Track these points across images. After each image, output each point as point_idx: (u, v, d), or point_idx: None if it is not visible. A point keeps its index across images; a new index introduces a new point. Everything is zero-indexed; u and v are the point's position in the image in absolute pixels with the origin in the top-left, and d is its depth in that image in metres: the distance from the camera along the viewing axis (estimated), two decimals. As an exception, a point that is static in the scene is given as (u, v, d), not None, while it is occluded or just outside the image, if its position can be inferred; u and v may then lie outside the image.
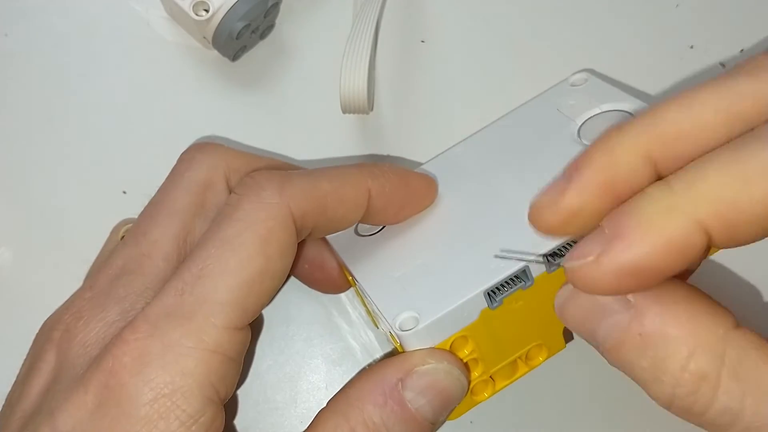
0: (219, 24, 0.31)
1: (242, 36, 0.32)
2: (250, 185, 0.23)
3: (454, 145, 0.29)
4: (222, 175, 0.26)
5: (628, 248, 0.18)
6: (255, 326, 0.29)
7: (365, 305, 0.28)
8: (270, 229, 0.22)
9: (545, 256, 0.23)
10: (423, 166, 0.29)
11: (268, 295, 0.22)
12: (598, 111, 0.27)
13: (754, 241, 0.18)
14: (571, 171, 0.20)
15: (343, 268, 0.27)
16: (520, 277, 0.23)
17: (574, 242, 0.23)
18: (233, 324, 0.21)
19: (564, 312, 0.21)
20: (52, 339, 0.24)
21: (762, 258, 0.30)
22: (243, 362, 0.23)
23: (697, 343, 0.18)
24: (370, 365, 0.30)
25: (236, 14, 0.31)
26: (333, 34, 0.34)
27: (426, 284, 0.24)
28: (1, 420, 0.23)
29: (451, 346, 0.23)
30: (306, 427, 0.23)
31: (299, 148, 0.33)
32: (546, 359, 0.25)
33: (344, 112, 0.31)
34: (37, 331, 0.25)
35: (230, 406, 0.28)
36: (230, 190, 0.26)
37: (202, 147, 0.27)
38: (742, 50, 0.34)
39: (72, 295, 0.25)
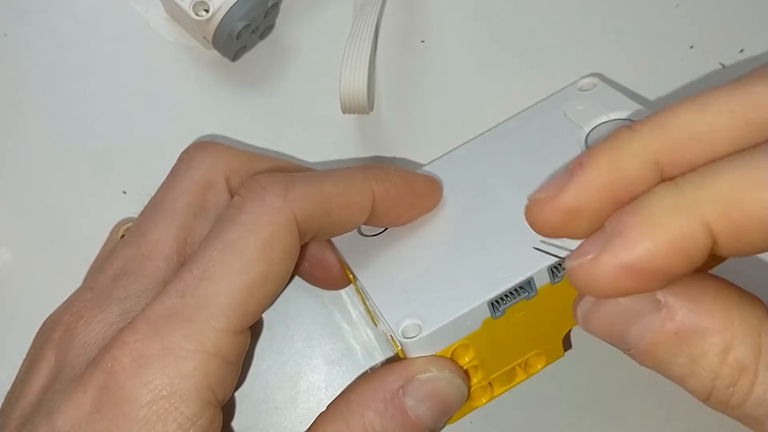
0: (219, 24, 0.31)
1: (242, 36, 0.32)
2: (253, 188, 0.23)
3: (459, 146, 0.29)
4: (222, 175, 0.26)
5: (629, 246, 0.17)
6: (255, 327, 0.28)
7: (365, 303, 0.28)
8: (273, 233, 0.22)
9: (549, 267, 0.23)
10: (427, 167, 0.29)
11: (270, 298, 0.22)
12: (606, 119, 0.27)
13: (759, 252, 0.17)
14: (574, 167, 0.19)
15: (344, 266, 0.27)
16: (524, 287, 0.23)
17: None
18: (233, 327, 0.21)
19: (589, 322, 0.20)
20: (52, 339, 0.24)
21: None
22: (242, 364, 0.23)
23: (734, 335, 0.18)
24: (371, 369, 0.30)
25: (236, 14, 0.31)
26: (333, 34, 0.34)
27: (429, 291, 0.24)
28: (1, 419, 0.23)
29: (452, 354, 0.23)
30: (306, 429, 0.23)
31: (299, 148, 0.33)
32: (544, 367, 0.25)
33: (344, 112, 0.31)
34: (36, 330, 0.25)
35: (228, 408, 0.28)
36: (230, 190, 0.26)
37: (202, 147, 0.27)
38: (742, 50, 0.33)
39: (72, 295, 0.25)
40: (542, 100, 0.30)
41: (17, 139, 0.33)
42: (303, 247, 0.26)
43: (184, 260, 0.24)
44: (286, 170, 0.26)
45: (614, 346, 0.20)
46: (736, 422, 0.19)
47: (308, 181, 0.23)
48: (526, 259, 0.23)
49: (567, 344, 0.26)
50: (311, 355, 0.30)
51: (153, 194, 0.26)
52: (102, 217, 0.31)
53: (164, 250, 0.24)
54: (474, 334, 0.23)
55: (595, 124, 0.27)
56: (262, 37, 0.34)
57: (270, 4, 0.32)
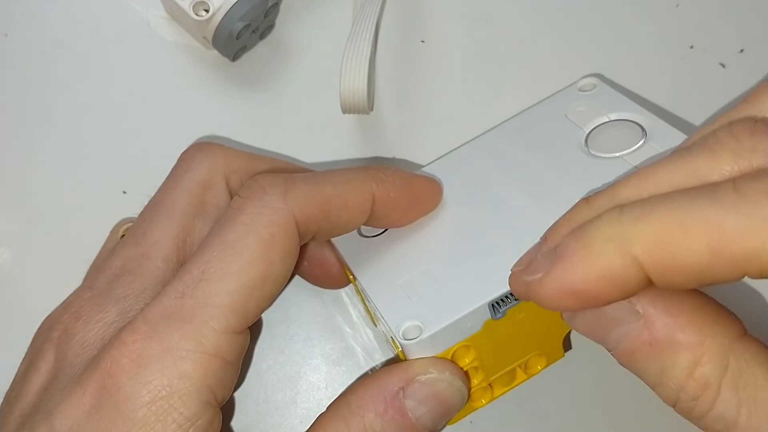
0: (219, 24, 0.31)
1: (242, 36, 0.32)
2: (254, 189, 0.23)
3: (459, 147, 0.29)
4: (222, 175, 0.26)
5: (568, 272, 0.18)
6: (255, 327, 0.29)
7: (364, 304, 0.28)
8: (273, 234, 0.22)
9: None
10: (427, 167, 0.29)
11: (269, 299, 0.22)
12: (606, 120, 0.27)
13: (690, 288, 0.18)
14: (546, 260, 0.20)
15: (344, 266, 0.27)
16: None
17: None
18: (233, 328, 0.21)
19: (573, 323, 0.22)
20: (51, 338, 0.24)
21: None
22: (242, 364, 0.23)
23: (703, 352, 0.19)
24: (371, 370, 0.30)
25: (236, 14, 0.31)
26: (333, 34, 0.34)
27: (430, 293, 0.24)
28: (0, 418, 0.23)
29: (453, 355, 0.23)
30: (306, 430, 0.23)
31: (299, 148, 0.33)
32: (544, 368, 0.25)
33: (344, 112, 0.31)
34: (36, 330, 0.25)
35: (228, 409, 0.28)
36: (230, 191, 0.26)
37: (202, 147, 0.27)
38: (742, 50, 0.33)
39: (71, 295, 0.25)
40: (542, 100, 0.30)
41: (17, 139, 0.33)
42: (303, 247, 0.26)
43: (183, 260, 0.24)
44: (285, 171, 0.26)
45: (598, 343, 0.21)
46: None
47: (308, 182, 0.23)
48: None
49: (567, 345, 0.26)
50: (311, 355, 0.30)
51: (153, 194, 0.26)
52: (102, 217, 0.31)
53: (164, 250, 0.24)
54: (474, 336, 0.23)
55: (595, 125, 0.27)
56: (262, 37, 0.34)
57: (270, 4, 0.32)
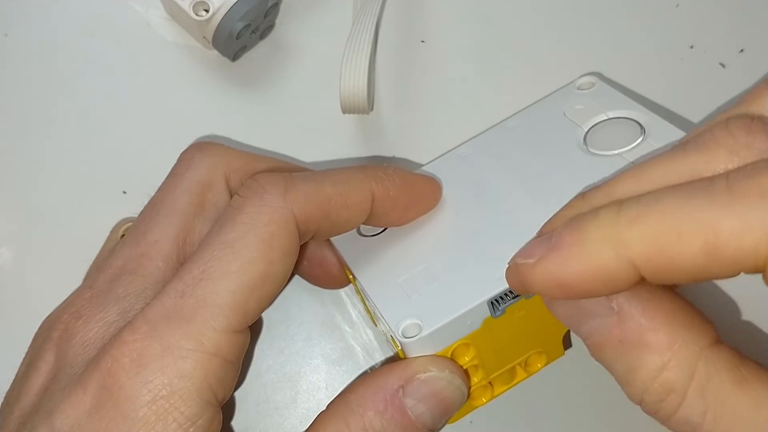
0: (219, 24, 0.31)
1: (242, 36, 0.32)
2: (253, 188, 0.23)
3: (458, 146, 0.29)
4: (222, 175, 0.26)
5: (560, 262, 0.19)
6: (255, 327, 0.29)
7: (364, 303, 0.28)
8: (272, 233, 0.22)
9: None
10: (426, 167, 0.29)
11: (269, 298, 0.22)
12: (604, 117, 0.27)
13: (683, 285, 0.18)
14: (545, 245, 0.20)
15: (344, 266, 0.27)
16: None
17: None
18: (233, 327, 0.21)
19: (551, 307, 0.22)
20: (51, 338, 0.24)
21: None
22: (242, 364, 0.23)
23: (671, 357, 0.19)
24: (371, 369, 0.30)
25: (236, 14, 0.31)
26: (333, 34, 0.34)
27: (429, 291, 0.24)
28: (0, 418, 0.23)
29: (452, 354, 0.23)
30: (305, 429, 0.23)
31: (299, 148, 0.33)
32: (544, 366, 0.25)
33: (344, 112, 0.31)
34: (36, 330, 0.25)
35: (228, 408, 0.28)
36: (230, 191, 0.26)
37: (202, 147, 0.27)
38: (742, 50, 0.33)
39: (71, 295, 0.25)
40: (541, 99, 0.30)
41: (17, 139, 0.33)
42: (302, 247, 0.26)
43: (183, 260, 0.24)
44: (285, 170, 0.26)
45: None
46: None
47: (308, 181, 0.23)
48: None
49: (567, 343, 0.26)
50: (311, 355, 0.30)
51: (153, 194, 0.26)
52: (102, 217, 0.31)
53: (164, 250, 0.24)
54: (474, 334, 0.23)
55: (594, 123, 0.27)
56: (262, 37, 0.34)
57: (270, 4, 0.32)
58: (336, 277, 0.28)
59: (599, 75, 0.30)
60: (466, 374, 0.24)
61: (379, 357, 0.30)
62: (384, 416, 0.22)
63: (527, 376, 0.26)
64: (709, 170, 0.18)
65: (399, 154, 0.33)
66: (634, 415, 0.29)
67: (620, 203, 0.19)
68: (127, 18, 0.35)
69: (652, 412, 0.20)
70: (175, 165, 0.27)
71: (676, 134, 0.25)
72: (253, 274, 0.21)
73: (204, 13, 0.31)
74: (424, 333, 0.22)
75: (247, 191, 0.23)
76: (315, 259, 0.28)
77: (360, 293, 0.27)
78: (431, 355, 0.23)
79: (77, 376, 0.22)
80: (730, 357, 0.19)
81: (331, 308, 0.31)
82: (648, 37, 0.34)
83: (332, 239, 0.27)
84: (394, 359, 0.25)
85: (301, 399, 0.30)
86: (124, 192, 0.32)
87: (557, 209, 0.22)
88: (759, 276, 0.17)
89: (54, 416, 0.21)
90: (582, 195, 0.21)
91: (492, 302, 0.23)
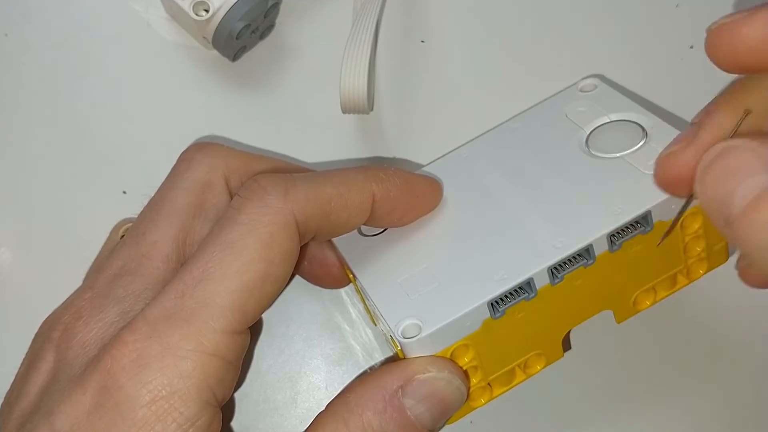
0: (219, 24, 0.31)
1: (242, 36, 0.32)
2: (254, 189, 0.23)
3: (459, 147, 0.29)
4: (221, 175, 0.26)
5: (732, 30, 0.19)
6: (255, 327, 0.29)
7: (364, 303, 0.28)
8: (273, 234, 0.22)
9: (549, 268, 0.23)
10: (427, 167, 0.29)
11: (269, 299, 0.22)
12: (606, 120, 0.27)
13: None
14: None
15: (344, 266, 0.27)
16: (524, 288, 0.23)
17: (581, 255, 0.23)
18: (233, 328, 0.21)
19: (705, 174, 0.20)
20: (51, 338, 0.24)
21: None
22: (242, 365, 0.23)
23: None
24: (370, 369, 0.30)
25: (236, 14, 0.31)
26: (333, 34, 0.34)
27: (429, 291, 0.24)
28: (0, 418, 0.23)
29: (452, 354, 0.23)
30: (305, 430, 0.23)
31: (299, 148, 0.33)
32: (543, 368, 0.25)
33: (344, 112, 0.31)
34: (36, 330, 0.25)
35: (228, 409, 0.28)
36: (230, 191, 0.26)
37: (202, 147, 0.27)
38: (742, 50, 0.33)
39: (71, 295, 0.25)
40: (543, 100, 0.30)
41: (17, 139, 0.33)
42: (303, 247, 0.26)
43: (183, 260, 0.24)
44: (285, 171, 0.26)
45: (715, 218, 0.20)
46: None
47: (308, 182, 0.23)
48: (526, 259, 0.23)
49: (566, 345, 0.26)
50: (311, 355, 0.30)
51: (153, 194, 0.26)
52: (102, 217, 0.31)
53: (163, 251, 0.24)
54: (474, 335, 0.23)
55: (596, 125, 0.27)
56: (262, 37, 0.34)
57: (270, 4, 0.32)
58: (336, 276, 0.28)
59: (601, 77, 0.30)
60: (465, 375, 0.24)
61: (379, 357, 0.30)
62: (383, 416, 0.22)
63: (526, 378, 0.26)
64: None
65: (399, 155, 0.33)
66: (633, 416, 0.29)
67: None
68: (127, 18, 0.35)
69: None
70: (175, 165, 0.27)
71: None
72: (253, 274, 0.21)
73: (204, 13, 0.31)
74: (424, 334, 0.22)
75: (248, 192, 0.23)
76: (316, 259, 0.28)
77: (360, 292, 0.27)
78: (431, 356, 0.23)
79: (77, 376, 0.22)
80: None
81: (331, 308, 0.31)
82: (648, 37, 0.34)
83: (333, 239, 0.27)
84: (394, 359, 0.25)
85: (301, 399, 0.30)
86: (124, 192, 0.32)
87: (558, 211, 0.22)
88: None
89: (54, 416, 0.21)
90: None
91: (492, 304, 0.23)
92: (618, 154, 0.26)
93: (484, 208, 0.26)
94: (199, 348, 0.21)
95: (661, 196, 0.23)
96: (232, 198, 0.25)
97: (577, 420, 0.30)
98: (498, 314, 0.23)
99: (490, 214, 0.26)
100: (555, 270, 0.23)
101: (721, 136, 0.20)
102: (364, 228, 0.27)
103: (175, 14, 0.33)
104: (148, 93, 0.34)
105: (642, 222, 0.23)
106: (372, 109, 0.33)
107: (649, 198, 0.23)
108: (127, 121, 0.34)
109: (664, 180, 0.22)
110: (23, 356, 0.25)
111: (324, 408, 0.23)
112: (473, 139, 0.29)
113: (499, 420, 0.29)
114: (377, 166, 0.31)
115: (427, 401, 0.22)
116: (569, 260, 0.23)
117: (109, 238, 0.31)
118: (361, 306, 0.30)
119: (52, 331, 0.24)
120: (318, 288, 0.30)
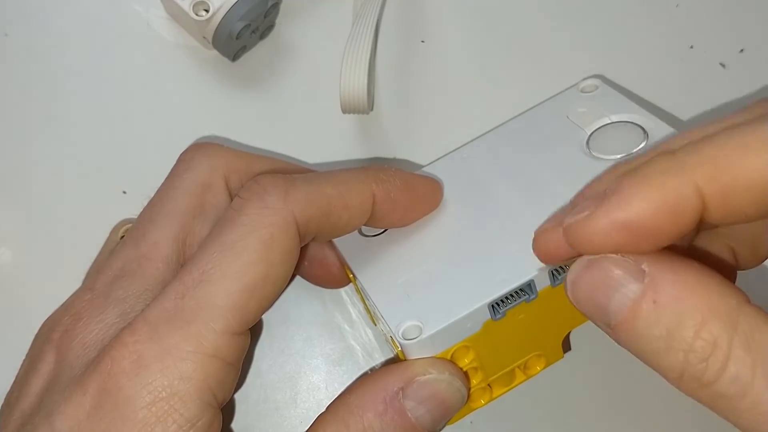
0: (219, 24, 0.31)
1: (242, 36, 0.32)
2: (254, 189, 0.23)
3: (459, 147, 0.29)
4: (221, 176, 0.26)
5: (623, 203, 0.18)
6: (255, 328, 0.29)
7: (364, 303, 0.28)
8: (273, 235, 0.22)
9: (550, 270, 0.23)
10: (427, 168, 0.29)
11: (269, 300, 0.22)
12: (607, 121, 0.27)
13: (748, 219, 0.18)
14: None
15: (344, 266, 0.27)
16: (525, 290, 0.23)
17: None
18: (233, 329, 0.21)
19: (575, 287, 0.20)
20: (52, 340, 0.24)
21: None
22: (242, 365, 0.23)
23: (710, 311, 0.18)
24: (371, 370, 0.30)
25: (236, 14, 0.31)
26: (333, 34, 0.34)
27: (430, 293, 0.24)
28: (0, 420, 0.23)
29: (452, 356, 0.23)
30: (305, 431, 0.23)
31: (299, 148, 0.33)
32: (544, 369, 0.25)
33: (344, 112, 0.31)
34: (36, 331, 0.25)
35: (228, 410, 0.28)
36: (230, 191, 0.26)
37: (202, 147, 0.27)
38: (742, 50, 0.33)
39: (71, 296, 0.25)
40: (544, 101, 0.30)
41: (17, 139, 0.33)
42: (303, 247, 0.26)
43: (183, 261, 0.24)
44: (285, 171, 0.26)
45: (596, 322, 0.20)
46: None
47: (308, 183, 0.23)
48: (527, 261, 0.23)
49: (566, 346, 0.26)
50: (311, 355, 0.30)
51: (153, 195, 0.26)
52: (102, 217, 0.31)
53: (163, 251, 0.24)
54: (474, 336, 0.23)
55: (597, 126, 0.27)
56: (262, 37, 0.34)
57: (270, 4, 0.32)
58: (337, 277, 0.28)
59: (602, 78, 0.30)
60: (465, 376, 0.24)
61: (379, 357, 0.30)
62: (384, 418, 0.22)
63: (526, 379, 0.26)
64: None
65: (399, 155, 0.33)
66: (633, 416, 0.29)
67: (673, 151, 0.18)
68: (127, 18, 0.35)
69: (697, 377, 0.18)
70: (175, 166, 0.27)
71: None
72: (254, 275, 0.21)
73: (204, 13, 0.31)
74: (425, 335, 0.22)
75: (248, 193, 0.23)
76: (316, 259, 0.28)
77: (360, 293, 0.27)
78: (431, 357, 0.23)
79: (77, 377, 0.22)
80: (765, 315, 0.18)
81: (331, 308, 0.31)
82: (648, 37, 0.34)
83: (334, 239, 0.27)
84: (394, 360, 0.25)
85: (301, 399, 0.30)
86: (124, 192, 0.32)
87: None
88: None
89: (54, 417, 0.21)
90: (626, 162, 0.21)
91: (492, 305, 0.23)
92: (619, 156, 0.26)
93: (484, 209, 0.26)
94: (200, 349, 0.21)
95: None
96: (232, 198, 0.25)
97: (577, 420, 0.30)
98: (498, 316, 0.23)
99: (491, 215, 0.26)
100: (556, 271, 0.23)
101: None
102: (364, 228, 0.27)
103: (175, 14, 0.33)
104: (148, 93, 0.34)
105: None
106: (372, 109, 0.33)
107: None
108: (127, 121, 0.34)
109: (541, 256, 0.21)
110: (23, 357, 0.25)
111: (324, 409, 0.23)
112: (474, 140, 0.29)
113: (499, 420, 0.29)
114: (377, 166, 0.31)
115: (427, 403, 0.22)
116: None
117: (108, 239, 0.31)
118: (361, 306, 0.30)
119: (52, 332, 0.24)
120: (318, 288, 0.30)
